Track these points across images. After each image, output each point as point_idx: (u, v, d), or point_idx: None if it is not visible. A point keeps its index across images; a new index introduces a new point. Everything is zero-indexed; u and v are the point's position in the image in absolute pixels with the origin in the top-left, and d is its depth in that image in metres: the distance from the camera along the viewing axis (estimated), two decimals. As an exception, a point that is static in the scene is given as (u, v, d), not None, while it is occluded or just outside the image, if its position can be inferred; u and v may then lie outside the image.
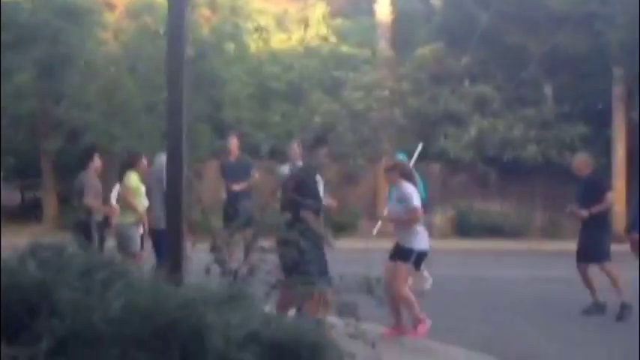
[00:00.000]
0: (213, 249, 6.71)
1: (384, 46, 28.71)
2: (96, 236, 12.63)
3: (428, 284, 14.09)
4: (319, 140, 10.99)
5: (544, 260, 19.35)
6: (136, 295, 4.37)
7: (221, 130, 26.10)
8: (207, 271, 6.56)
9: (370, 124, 27.66)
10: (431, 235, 27.29)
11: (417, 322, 10.17)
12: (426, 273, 13.99)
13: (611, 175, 24.80)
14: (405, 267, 10.11)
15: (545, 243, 24.65)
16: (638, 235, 8.39)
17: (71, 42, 25.15)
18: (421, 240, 10.17)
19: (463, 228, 26.75)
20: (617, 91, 26.03)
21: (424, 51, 27.97)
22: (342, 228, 25.27)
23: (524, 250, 23.14)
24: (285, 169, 14.70)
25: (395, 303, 10.15)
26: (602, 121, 26.38)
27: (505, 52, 27.41)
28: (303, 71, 29.75)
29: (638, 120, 25.17)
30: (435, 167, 27.12)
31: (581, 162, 13.13)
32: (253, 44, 31.07)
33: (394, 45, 28.67)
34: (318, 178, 10.68)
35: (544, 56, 26.31)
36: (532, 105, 27.17)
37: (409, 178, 10.39)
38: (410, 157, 16.38)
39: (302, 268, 8.58)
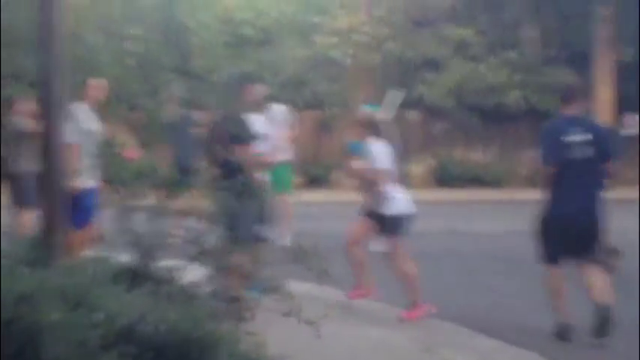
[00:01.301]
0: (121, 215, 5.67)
1: (360, -12, 27.52)
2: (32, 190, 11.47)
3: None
4: (245, 77, 9.70)
5: (527, 210, 18.26)
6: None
7: (191, 81, 25.08)
8: (110, 243, 5.55)
9: (346, 70, 26.54)
10: (409, 185, 26.54)
11: (413, 304, 8.97)
12: None
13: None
14: (394, 240, 8.91)
15: (529, 192, 23.60)
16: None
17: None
18: (401, 203, 8.94)
19: (444, 178, 25.74)
20: (603, 31, 24.90)
21: (402, -7, 26.74)
22: (315, 180, 24.38)
23: (507, 200, 22.17)
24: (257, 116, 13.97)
25: (355, 264, 9.10)
26: (588, 63, 25.29)
27: (487, -6, 26.28)
28: (279, 17, 28.55)
29: (623, 61, 24.17)
30: (414, 115, 26.05)
31: None
32: (226, -10, 29.86)
33: (371, -13, 27.47)
34: (259, 117, 9.46)
35: (527, -2, 25.20)
36: (515, 48, 26.03)
37: (380, 134, 9.11)
38: (379, 107, 15.20)
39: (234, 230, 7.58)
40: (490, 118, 25.63)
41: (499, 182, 25.30)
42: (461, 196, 23.22)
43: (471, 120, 25.92)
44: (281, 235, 13.81)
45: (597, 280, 8.11)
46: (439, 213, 18.95)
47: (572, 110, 8.14)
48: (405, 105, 25.24)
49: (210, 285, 5.26)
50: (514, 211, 19.05)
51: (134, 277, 5.09)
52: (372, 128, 9.07)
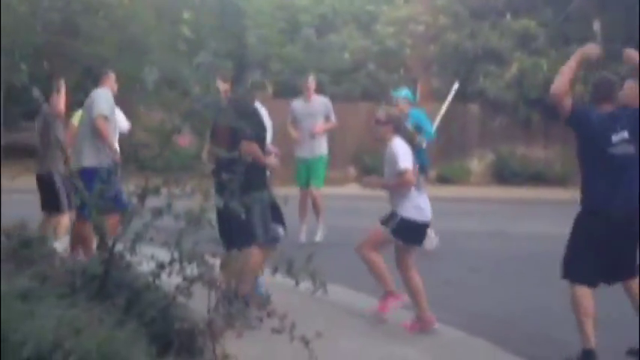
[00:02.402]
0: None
1: (420, -23, 26.76)
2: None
3: (432, 244, 12.26)
4: (248, 64, 8.95)
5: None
6: None
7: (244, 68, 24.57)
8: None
9: (403, 61, 25.78)
10: (468, 182, 25.62)
11: (384, 296, 8.36)
12: (431, 232, 12.16)
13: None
14: (382, 231, 8.20)
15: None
16: None
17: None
18: (412, 207, 8.15)
19: (503, 175, 24.90)
20: (674, 26, 23.78)
21: (463, -18, 25.91)
22: (372, 171, 23.62)
23: (568, 200, 21.18)
24: (297, 104, 13.38)
25: (412, 287, 8.32)
26: (656, 59, 24.17)
27: (551, -15, 25.28)
28: (336, 4, 27.89)
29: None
30: (474, 108, 25.24)
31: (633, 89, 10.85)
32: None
33: (431, -24, 26.73)
34: (261, 110, 8.70)
35: (593, -10, 24.18)
36: (579, 42, 24.86)
37: (406, 134, 8.28)
38: (414, 95, 14.35)
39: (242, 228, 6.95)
40: (552, 114, 24.44)
41: (561, 181, 24.31)
42: (521, 195, 22.36)
43: (533, 115, 24.99)
44: (317, 230, 13.22)
45: None
46: (495, 212, 18.19)
47: (608, 107, 7.51)
48: (466, 98, 24.46)
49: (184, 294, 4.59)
50: (573, 211, 18.20)
51: (103, 284, 4.44)
52: (395, 127, 8.25)
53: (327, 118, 13.41)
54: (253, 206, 6.28)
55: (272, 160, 8.41)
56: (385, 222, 8.18)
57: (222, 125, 7.49)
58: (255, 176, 7.21)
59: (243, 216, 5.03)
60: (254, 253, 7.67)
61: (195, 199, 4.96)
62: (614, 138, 7.30)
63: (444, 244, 12.73)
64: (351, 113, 24.45)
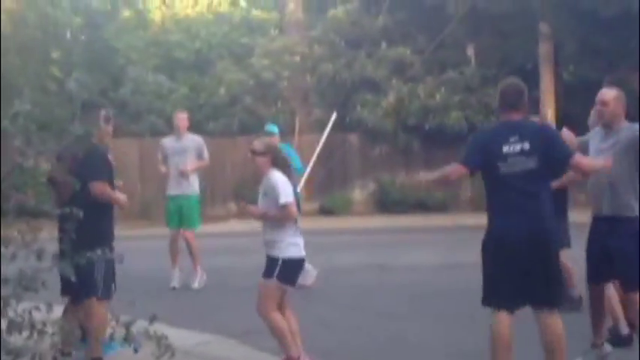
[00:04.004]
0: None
1: (293, 8, 26.61)
2: None
3: (310, 280, 11.81)
4: (92, 104, 8.37)
5: (472, 237, 17.03)
6: None
7: (121, 107, 23.99)
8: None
9: (280, 93, 25.58)
10: (350, 212, 25.50)
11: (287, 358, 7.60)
12: (309, 266, 11.53)
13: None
14: (269, 284, 7.60)
15: (473, 216, 22.73)
16: None
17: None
18: (291, 245, 7.64)
19: (385, 204, 24.84)
20: (544, 49, 24.11)
21: (337, 12, 25.88)
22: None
23: (451, 226, 21.20)
24: (168, 141, 12.81)
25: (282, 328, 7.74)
26: (530, 81, 24.43)
27: (423, 12, 25.38)
28: (211, 39, 27.55)
29: (566, 79, 23.43)
30: (353, 138, 25.16)
31: None
32: (158, 12, 28.76)
33: (305, 7, 26.58)
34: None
35: (465, 16, 24.30)
36: (454, 68, 25.19)
37: (283, 166, 7.85)
38: (281, 130, 13.83)
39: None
40: (432, 139, 24.72)
41: (442, 207, 24.41)
42: (403, 223, 22.23)
43: (413, 142, 25.01)
44: (194, 277, 12.54)
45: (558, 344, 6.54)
46: (377, 243, 17.94)
47: (516, 116, 6.69)
48: (345, 128, 24.35)
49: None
50: (457, 238, 17.92)
51: None
52: (273, 158, 7.81)
53: (199, 157, 12.81)
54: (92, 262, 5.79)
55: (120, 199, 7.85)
56: (267, 272, 7.67)
57: (58, 177, 6.92)
58: (93, 230, 6.66)
59: (72, 278, 4.62)
60: (99, 310, 7.14)
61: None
62: (506, 149, 6.56)
63: (324, 280, 12.27)
64: (230, 148, 24.16)
